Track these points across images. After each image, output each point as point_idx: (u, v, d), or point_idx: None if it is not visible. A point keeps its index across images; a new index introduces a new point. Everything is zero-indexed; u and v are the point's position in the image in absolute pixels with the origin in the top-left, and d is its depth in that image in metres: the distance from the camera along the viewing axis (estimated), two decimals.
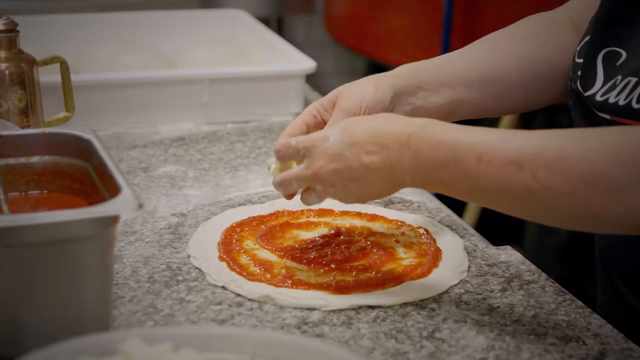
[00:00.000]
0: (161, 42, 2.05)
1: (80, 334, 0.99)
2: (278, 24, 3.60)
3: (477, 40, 1.36)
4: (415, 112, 1.27)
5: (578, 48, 1.23)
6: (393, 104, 1.26)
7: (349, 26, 3.32)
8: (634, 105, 1.10)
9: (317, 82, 1.90)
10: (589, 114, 1.18)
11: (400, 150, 1.08)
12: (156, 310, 1.14)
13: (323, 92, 2.02)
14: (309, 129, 1.25)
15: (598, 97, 1.15)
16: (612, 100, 1.13)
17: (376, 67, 3.47)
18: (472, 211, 2.84)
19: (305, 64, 1.82)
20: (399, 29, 2.99)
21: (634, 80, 1.11)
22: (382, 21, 3.07)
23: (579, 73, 1.20)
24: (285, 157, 1.16)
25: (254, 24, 2.12)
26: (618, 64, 1.15)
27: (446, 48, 2.75)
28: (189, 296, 1.17)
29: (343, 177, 1.11)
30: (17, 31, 1.49)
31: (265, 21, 2.24)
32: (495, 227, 1.91)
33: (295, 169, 1.15)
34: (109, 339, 0.86)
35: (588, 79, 1.17)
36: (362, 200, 1.15)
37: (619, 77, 1.13)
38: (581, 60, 1.21)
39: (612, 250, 1.25)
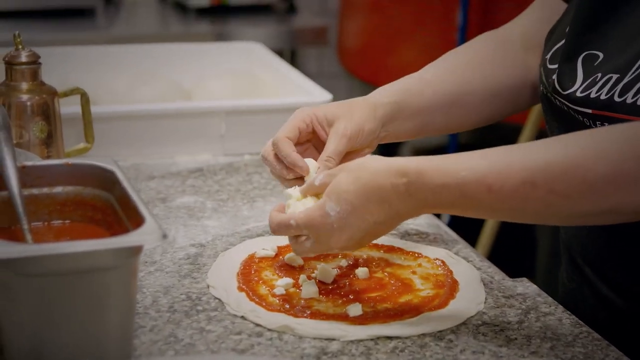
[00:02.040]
0: (178, 74, 2.07)
1: None
2: (291, 56, 3.63)
3: (441, 60, 1.42)
4: (386, 137, 1.36)
5: (548, 56, 1.29)
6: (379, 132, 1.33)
7: (362, 58, 3.34)
8: (616, 99, 1.15)
9: None
10: (562, 113, 1.23)
11: (402, 200, 1.11)
12: (177, 340, 1.15)
13: None
14: (300, 135, 1.31)
15: (578, 94, 1.20)
16: (593, 95, 1.18)
17: None
18: (484, 244, 2.84)
19: (321, 96, 1.84)
20: (413, 60, 3.00)
21: (615, 76, 1.16)
22: (395, 54, 3.09)
23: (554, 77, 1.25)
24: (285, 234, 1.20)
25: (270, 57, 2.14)
26: (596, 64, 1.20)
27: None
28: (209, 326, 1.19)
29: (357, 238, 1.15)
30: (40, 63, 1.51)
31: (279, 53, 2.26)
32: (506, 258, 1.92)
33: (309, 244, 1.17)
34: None
35: (568, 80, 1.22)
36: (374, 240, 1.21)
37: (599, 75, 1.18)
38: (554, 66, 1.26)
39: (580, 240, 1.31)
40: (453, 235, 1.49)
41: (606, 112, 1.16)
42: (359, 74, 3.38)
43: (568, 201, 1.04)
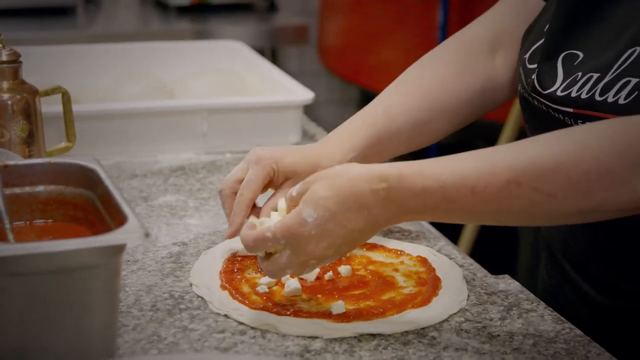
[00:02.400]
0: (160, 72, 2.07)
1: None
2: (272, 55, 3.63)
3: (404, 82, 1.41)
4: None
5: (527, 56, 1.29)
6: None
7: (343, 56, 3.35)
8: (597, 97, 1.15)
9: (309, 112, 1.92)
10: (541, 113, 1.24)
11: (382, 205, 1.09)
12: (160, 339, 1.15)
13: (316, 121, 2.04)
14: (262, 189, 1.31)
15: (559, 93, 1.20)
16: (574, 94, 1.18)
17: (369, 97, 3.50)
18: (466, 240, 2.85)
19: (304, 95, 1.84)
20: (393, 60, 3.01)
21: (595, 75, 1.17)
22: (376, 52, 3.10)
23: (533, 76, 1.25)
24: (263, 248, 1.15)
25: (252, 55, 2.14)
26: (576, 63, 1.21)
27: None
28: (192, 324, 1.19)
29: (335, 246, 1.12)
30: (20, 62, 1.50)
31: (260, 52, 2.26)
32: (488, 256, 1.93)
33: (284, 258, 1.13)
34: None
35: (548, 79, 1.22)
36: (353, 249, 1.19)
37: (579, 74, 1.19)
38: (533, 66, 1.27)
39: (561, 236, 1.31)
40: (435, 232, 1.49)
41: (587, 111, 1.16)
42: (339, 72, 3.39)
43: (553, 200, 1.03)
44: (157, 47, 2.19)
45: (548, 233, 1.35)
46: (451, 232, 1.59)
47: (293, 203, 1.15)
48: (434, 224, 1.53)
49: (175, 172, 1.71)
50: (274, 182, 1.33)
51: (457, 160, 1.08)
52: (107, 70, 2.00)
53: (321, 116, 3.79)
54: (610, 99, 1.14)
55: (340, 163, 1.29)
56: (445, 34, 2.77)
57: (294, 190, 1.15)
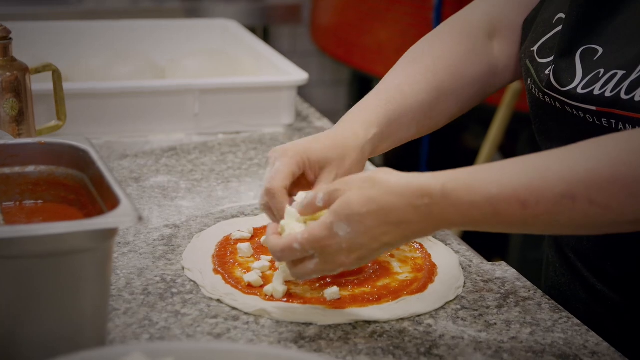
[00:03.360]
0: (152, 51, 2.04)
1: (78, 347, 0.98)
2: (264, 34, 3.60)
3: (412, 60, 1.36)
4: None
5: (535, 49, 1.26)
6: None
7: (336, 37, 3.32)
8: (623, 96, 1.11)
9: (300, 92, 1.89)
10: (553, 110, 1.20)
11: (424, 222, 1.03)
12: (152, 323, 1.13)
13: (307, 102, 2.02)
14: (293, 179, 1.20)
15: (580, 90, 1.16)
16: (597, 92, 1.14)
17: (361, 77, 3.48)
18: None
19: (298, 75, 1.82)
20: (386, 40, 2.99)
21: (620, 73, 1.13)
22: (369, 33, 3.07)
23: (548, 72, 1.22)
24: (291, 258, 1.09)
25: (245, 34, 2.11)
26: (595, 58, 1.17)
27: None
28: (184, 309, 1.17)
29: (367, 259, 1.08)
30: (10, 39, 1.48)
31: (252, 30, 2.24)
32: (478, 242, 1.91)
33: (312, 265, 1.08)
34: (110, 353, 0.85)
35: (567, 75, 1.19)
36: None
37: (602, 71, 1.15)
38: (546, 60, 1.23)
39: (573, 235, 1.26)
40: None
41: (612, 110, 1.12)
42: (332, 52, 3.36)
43: (608, 212, 0.97)
44: (149, 26, 2.16)
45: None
46: None
47: (315, 211, 1.10)
48: None
49: (167, 153, 1.68)
50: (308, 174, 1.22)
51: (507, 172, 1.01)
52: (97, 48, 1.98)
53: (312, 97, 3.77)
54: (637, 98, 1.10)
55: (364, 140, 1.25)
56: (440, 14, 2.75)
57: (319, 200, 1.09)
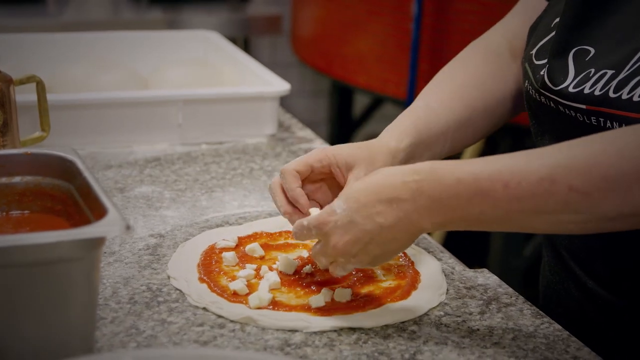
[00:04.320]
0: (134, 62, 2.05)
1: (66, 356, 0.99)
2: (245, 45, 3.61)
3: (441, 81, 1.39)
4: None
5: (534, 52, 1.29)
6: None
7: (316, 47, 3.34)
8: (611, 94, 1.14)
9: (281, 103, 1.91)
10: (548, 110, 1.23)
11: (413, 198, 1.07)
12: (138, 332, 1.14)
13: (287, 112, 2.03)
14: (312, 172, 1.26)
15: (571, 89, 1.19)
16: (587, 90, 1.17)
17: (342, 88, 3.49)
18: (436, 236, 2.86)
19: (280, 86, 1.83)
20: (367, 51, 3.01)
21: (610, 72, 1.15)
22: (349, 43, 3.09)
23: (543, 72, 1.24)
24: (301, 237, 1.17)
25: (226, 45, 2.12)
26: (587, 59, 1.19)
27: (414, 71, 2.77)
28: (171, 317, 1.18)
29: (361, 243, 1.11)
30: None
31: (232, 41, 2.24)
32: (459, 250, 1.93)
33: (318, 247, 1.16)
34: None
35: (560, 75, 1.21)
36: (387, 258, 1.15)
37: (592, 70, 1.17)
38: (542, 62, 1.25)
39: (565, 235, 1.28)
40: None
41: (601, 108, 1.15)
42: (312, 62, 3.38)
43: (589, 199, 1.00)
44: (131, 37, 2.17)
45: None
46: None
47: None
48: None
49: (151, 163, 1.69)
50: (337, 175, 1.27)
51: (492, 158, 1.07)
52: (79, 59, 1.98)
53: (292, 108, 3.78)
54: (624, 96, 1.13)
55: (396, 148, 1.29)
56: (419, 25, 2.77)
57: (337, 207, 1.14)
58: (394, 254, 1.14)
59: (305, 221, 1.15)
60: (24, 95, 1.60)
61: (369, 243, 1.10)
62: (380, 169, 1.14)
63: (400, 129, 1.31)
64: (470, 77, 1.38)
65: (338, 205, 1.11)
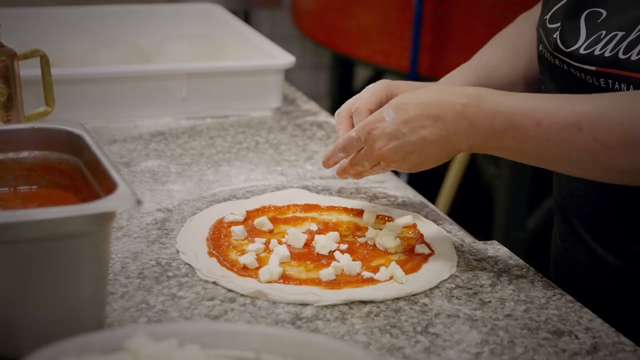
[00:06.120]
0: (138, 36, 2.04)
1: (76, 331, 0.98)
2: (245, 18, 3.59)
3: (498, 43, 1.45)
4: None
5: (548, 17, 1.30)
6: None
7: (317, 20, 3.31)
8: (621, 56, 1.17)
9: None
10: (562, 73, 1.26)
11: (456, 120, 1.15)
12: (149, 307, 1.13)
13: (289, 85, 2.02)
14: (379, 105, 1.28)
15: (582, 51, 1.21)
16: (597, 52, 1.20)
17: (343, 61, 3.48)
18: (441, 208, 2.85)
19: (284, 59, 1.82)
20: (369, 23, 2.99)
21: (620, 34, 1.18)
22: (351, 16, 3.07)
23: (556, 35, 1.26)
24: (351, 150, 1.25)
25: (230, 19, 2.11)
26: (599, 21, 1.22)
27: (416, 43, 2.75)
28: (181, 292, 1.17)
29: (403, 151, 1.19)
30: None
31: (233, 14, 2.23)
32: (464, 223, 1.93)
33: (362, 153, 1.23)
34: (114, 335, 0.86)
35: (571, 37, 1.24)
36: (422, 167, 1.22)
37: (603, 32, 1.20)
38: (555, 25, 1.28)
39: (575, 200, 1.32)
40: (420, 198, 1.48)
41: (610, 70, 1.17)
42: (313, 36, 3.36)
43: (611, 152, 1.08)
44: (133, 10, 2.15)
45: (562, 197, 1.34)
46: (427, 196, 1.57)
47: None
48: (417, 189, 1.52)
49: (156, 137, 1.68)
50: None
51: (536, 97, 1.14)
52: (82, 33, 1.97)
53: (293, 81, 3.76)
54: (634, 57, 1.15)
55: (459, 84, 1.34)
56: None
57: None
58: (430, 165, 1.22)
59: (353, 132, 1.23)
60: (28, 70, 1.59)
61: (411, 153, 1.19)
62: (431, 84, 1.21)
63: (461, 73, 1.38)
64: (523, 43, 1.43)
65: (387, 113, 1.19)
